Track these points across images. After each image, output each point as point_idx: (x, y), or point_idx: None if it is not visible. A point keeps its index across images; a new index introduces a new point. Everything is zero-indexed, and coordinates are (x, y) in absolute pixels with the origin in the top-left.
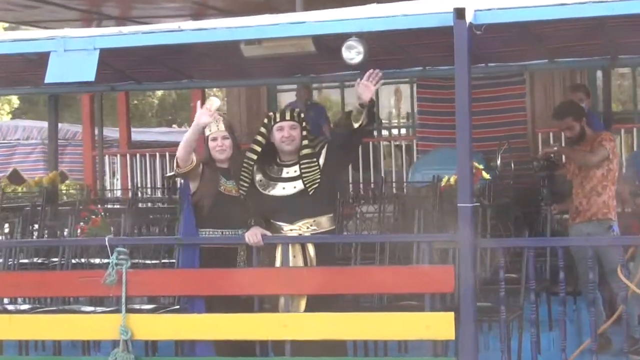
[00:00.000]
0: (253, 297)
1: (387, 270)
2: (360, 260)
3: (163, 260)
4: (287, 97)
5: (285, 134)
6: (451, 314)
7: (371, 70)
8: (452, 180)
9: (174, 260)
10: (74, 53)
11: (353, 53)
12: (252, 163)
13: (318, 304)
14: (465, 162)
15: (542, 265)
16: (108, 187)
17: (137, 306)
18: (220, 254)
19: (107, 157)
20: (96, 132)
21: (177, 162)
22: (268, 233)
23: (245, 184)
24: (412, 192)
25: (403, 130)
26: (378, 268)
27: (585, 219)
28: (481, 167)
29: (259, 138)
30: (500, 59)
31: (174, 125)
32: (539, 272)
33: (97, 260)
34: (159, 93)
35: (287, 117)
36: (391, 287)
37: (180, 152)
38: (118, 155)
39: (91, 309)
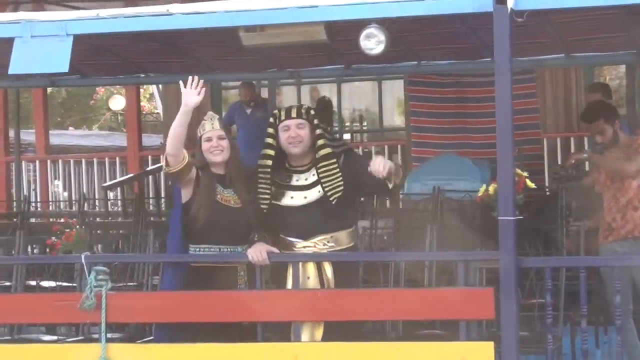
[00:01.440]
0: (256, 324)
1: (416, 294)
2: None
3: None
4: (234, 95)
5: (291, 133)
6: (491, 344)
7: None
8: (490, 189)
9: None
10: (42, 39)
11: (373, 42)
12: (269, 170)
13: (338, 332)
14: (508, 168)
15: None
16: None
17: (109, 335)
18: (217, 274)
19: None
20: (11, 134)
21: (166, 160)
22: (275, 250)
23: (267, 196)
24: (408, 205)
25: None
26: (406, 291)
27: (619, 237)
28: (525, 174)
29: (270, 140)
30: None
31: (70, 128)
32: (567, 296)
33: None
34: (49, 90)
35: (294, 114)
36: (422, 312)
37: (168, 146)
38: (37, 162)
39: (52, 337)
